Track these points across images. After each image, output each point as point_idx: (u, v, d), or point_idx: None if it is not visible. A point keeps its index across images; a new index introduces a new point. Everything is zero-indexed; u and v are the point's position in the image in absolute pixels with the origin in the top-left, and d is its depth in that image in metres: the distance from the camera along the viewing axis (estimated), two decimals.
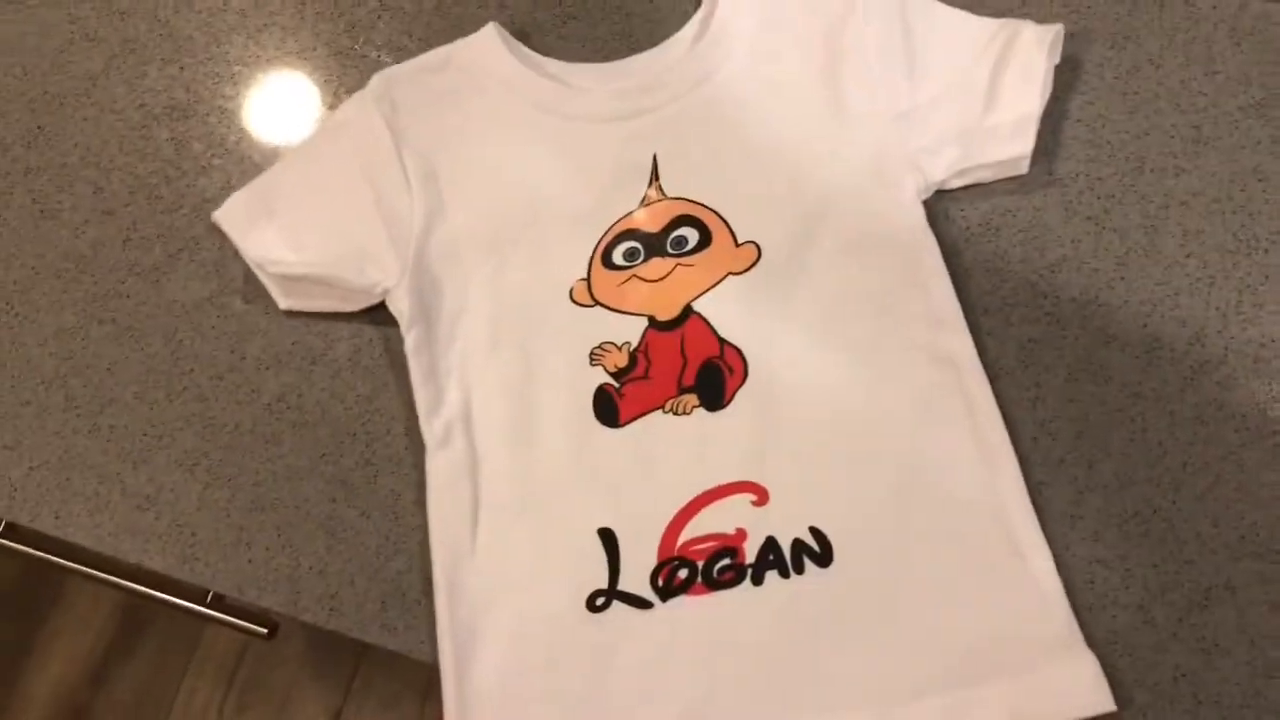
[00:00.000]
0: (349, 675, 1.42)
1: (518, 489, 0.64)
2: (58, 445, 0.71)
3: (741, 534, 0.61)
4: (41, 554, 0.83)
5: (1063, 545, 0.60)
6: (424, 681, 1.37)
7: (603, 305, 0.67)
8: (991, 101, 0.66)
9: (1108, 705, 0.56)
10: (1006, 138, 0.66)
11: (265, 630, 0.81)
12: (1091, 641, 0.57)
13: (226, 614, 0.80)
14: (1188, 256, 0.65)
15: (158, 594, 0.82)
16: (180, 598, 0.81)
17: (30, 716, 1.45)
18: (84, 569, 0.83)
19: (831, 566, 0.60)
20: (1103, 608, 0.59)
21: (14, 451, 0.72)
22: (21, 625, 1.49)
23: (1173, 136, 0.68)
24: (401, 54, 0.77)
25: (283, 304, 0.71)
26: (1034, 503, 0.60)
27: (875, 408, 0.63)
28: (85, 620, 1.49)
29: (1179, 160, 0.67)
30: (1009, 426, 0.61)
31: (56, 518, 0.70)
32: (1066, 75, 0.69)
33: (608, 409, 0.64)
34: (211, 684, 1.44)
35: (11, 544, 0.77)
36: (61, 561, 0.83)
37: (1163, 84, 0.69)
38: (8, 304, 0.75)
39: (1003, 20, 0.67)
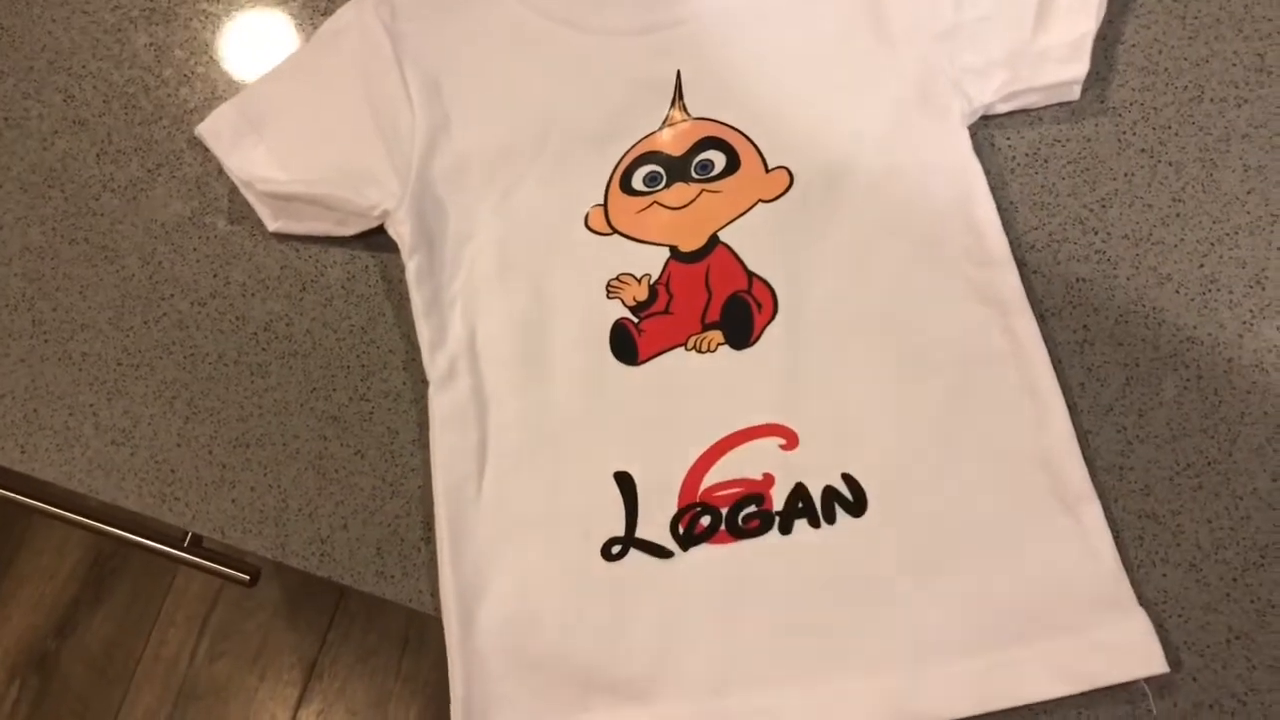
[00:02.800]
0: (325, 625, 1.39)
1: (528, 430, 0.60)
2: (24, 373, 0.67)
3: (769, 479, 0.58)
4: (4, 492, 0.78)
5: (1110, 498, 0.57)
6: (402, 634, 1.35)
7: (621, 234, 0.62)
8: (1043, 21, 0.62)
9: (1159, 666, 0.53)
10: (1059, 60, 0.62)
11: (247, 577, 0.77)
12: (1139, 601, 0.54)
13: (205, 559, 0.76)
14: (1249, 193, 0.61)
15: (131, 536, 0.78)
16: (155, 541, 0.77)
17: None
18: (51, 508, 0.79)
19: (865, 516, 0.57)
20: (1152, 565, 0.56)
21: None
22: None
23: (1234, 64, 0.64)
24: None
25: (271, 226, 0.66)
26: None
27: (915, 347, 0.59)
28: (52, 567, 1.45)
29: (1241, 90, 0.63)
30: (1055, 371, 0.58)
31: (22, 452, 0.65)
32: None
33: (626, 345, 0.60)
34: (183, 632, 1.41)
35: None
36: (27, 500, 0.79)
37: (1225, 8, 0.64)
38: None
39: None
